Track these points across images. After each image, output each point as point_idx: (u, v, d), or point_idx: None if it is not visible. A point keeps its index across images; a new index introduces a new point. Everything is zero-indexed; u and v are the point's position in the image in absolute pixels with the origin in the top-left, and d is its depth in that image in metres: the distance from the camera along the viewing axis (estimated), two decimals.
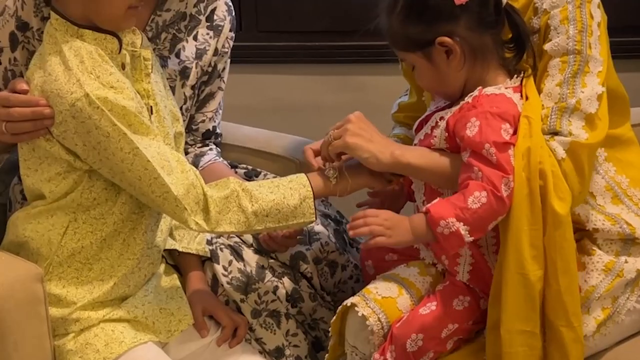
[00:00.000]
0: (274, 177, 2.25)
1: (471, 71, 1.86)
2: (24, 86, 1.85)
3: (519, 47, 1.88)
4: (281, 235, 2.10)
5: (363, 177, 1.94)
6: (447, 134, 1.85)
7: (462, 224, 1.76)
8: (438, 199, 1.82)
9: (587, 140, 1.80)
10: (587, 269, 1.89)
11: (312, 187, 1.91)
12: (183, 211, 1.82)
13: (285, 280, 2.12)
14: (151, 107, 1.93)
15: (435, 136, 1.88)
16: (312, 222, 1.92)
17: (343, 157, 1.95)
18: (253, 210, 1.86)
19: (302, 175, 1.93)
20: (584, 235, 1.93)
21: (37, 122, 1.82)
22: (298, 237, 2.13)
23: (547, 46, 1.86)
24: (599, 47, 1.85)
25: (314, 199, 1.90)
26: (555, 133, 1.82)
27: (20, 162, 1.92)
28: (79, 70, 1.79)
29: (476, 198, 1.75)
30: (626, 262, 1.90)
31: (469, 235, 1.77)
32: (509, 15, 1.87)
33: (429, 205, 1.80)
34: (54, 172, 1.87)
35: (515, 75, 1.87)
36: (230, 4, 2.31)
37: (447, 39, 1.82)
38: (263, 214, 1.87)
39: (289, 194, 1.89)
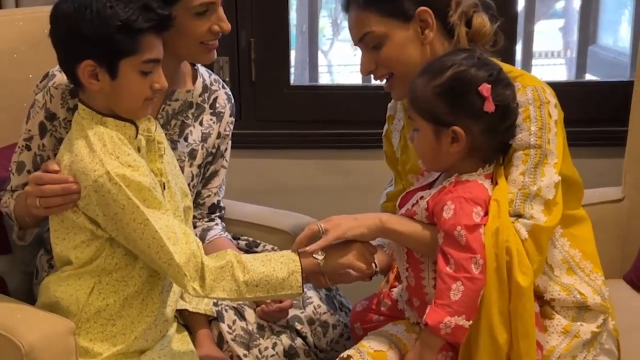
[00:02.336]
0: (272, 248, 2.37)
1: (461, 161, 1.96)
2: (55, 167, 1.98)
3: (505, 149, 1.99)
4: (273, 310, 2.21)
5: (349, 257, 1.99)
6: (427, 213, 1.95)
7: (456, 316, 1.84)
8: (429, 307, 1.88)
9: (545, 223, 1.92)
10: (549, 331, 2.01)
11: (301, 262, 1.96)
12: (183, 277, 1.91)
13: (283, 337, 2.23)
14: (164, 183, 2.04)
15: (417, 213, 1.97)
16: (299, 294, 1.97)
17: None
18: (244, 280, 1.93)
19: None
20: (544, 302, 2.04)
21: (66, 196, 1.94)
22: (290, 306, 2.23)
23: (511, 141, 1.98)
24: (555, 142, 1.97)
25: (302, 274, 1.96)
26: (519, 215, 1.92)
27: (51, 232, 2.03)
28: (102, 152, 1.92)
29: (454, 290, 1.85)
30: (581, 325, 2.03)
31: (466, 321, 1.85)
32: None
33: (425, 318, 1.87)
34: (79, 240, 1.99)
35: (488, 164, 1.98)
36: (230, 93, 2.44)
37: (460, 131, 1.91)
38: (253, 284, 1.94)
39: (278, 267, 1.95)
